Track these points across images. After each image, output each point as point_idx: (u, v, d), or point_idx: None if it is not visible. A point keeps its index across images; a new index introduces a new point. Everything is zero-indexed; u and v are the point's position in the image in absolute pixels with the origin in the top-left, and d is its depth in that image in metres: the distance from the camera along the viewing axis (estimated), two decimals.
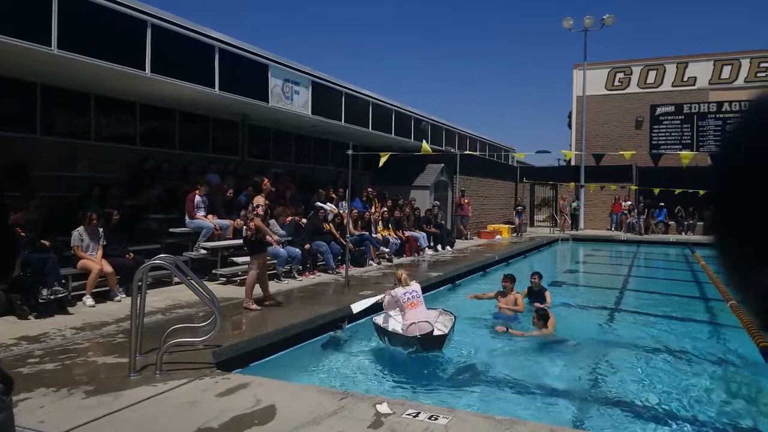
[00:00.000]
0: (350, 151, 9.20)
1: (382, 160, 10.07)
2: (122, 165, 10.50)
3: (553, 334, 7.28)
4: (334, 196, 13.76)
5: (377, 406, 3.88)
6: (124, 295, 7.76)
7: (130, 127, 11.01)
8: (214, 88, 9.94)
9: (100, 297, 7.61)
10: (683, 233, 23.46)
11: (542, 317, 7.35)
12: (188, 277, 5.10)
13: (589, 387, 5.54)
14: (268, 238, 7.60)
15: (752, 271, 0.44)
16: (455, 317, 6.99)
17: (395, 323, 6.76)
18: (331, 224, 11.75)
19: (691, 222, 23.94)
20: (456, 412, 3.84)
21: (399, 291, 6.68)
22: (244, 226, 7.51)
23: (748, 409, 5.09)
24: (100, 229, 7.83)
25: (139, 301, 4.74)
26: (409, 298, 6.58)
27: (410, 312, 6.47)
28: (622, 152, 9.37)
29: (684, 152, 9.30)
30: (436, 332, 6.38)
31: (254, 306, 7.24)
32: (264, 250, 7.56)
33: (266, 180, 7.90)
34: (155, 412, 3.79)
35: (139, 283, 4.75)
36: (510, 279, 8.65)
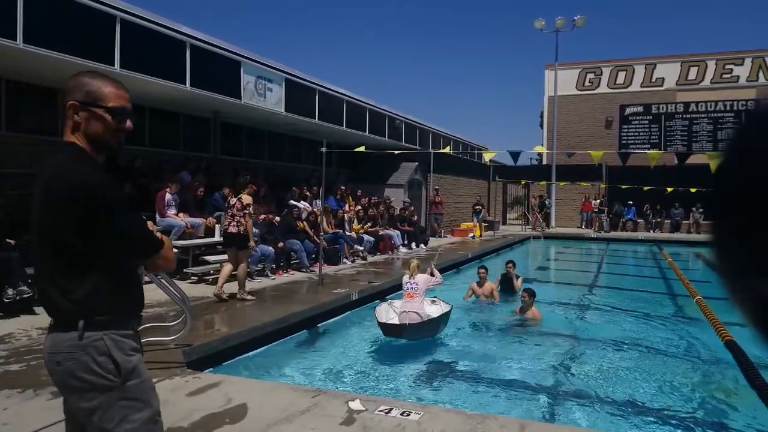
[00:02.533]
0: (324, 149, 9.18)
1: (359, 149, 10.05)
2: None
3: (540, 321, 8.03)
4: (308, 194, 13.70)
5: (350, 403, 3.89)
6: None
7: None
8: (186, 84, 9.81)
9: None
10: (651, 231, 24.00)
11: (532, 294, 8.10)
12: (158, 276, 5.03)
13: (560, 381, 5.65)
14: (251, 243, 8.04)
15: (751, 279, 0.44)
16: (450, 307, 7.58)
17: (383, 312, 7.24)
18: (304, 222, 11.71)
19: (658, 220, 24.50)
20: (428, 408, 3.88)
21: (405, 279, 7.33)
22: (234, 223, 7.71)
23: (714, 401, 5.25)
24: None
25: None
26: (407, 288, 7.18)
27: (406, 301, 7.10)
28: (590, 152, 9.53)
29: (651, 151, 9.47)
30: (408, 321, 6.80)
31: (249, 296, 7.71)
32: (246, 247, 7.90)
33: (251, 183, 8.37)
34: None
35: None
36: (486, 269, 9.49)
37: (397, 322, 6.84)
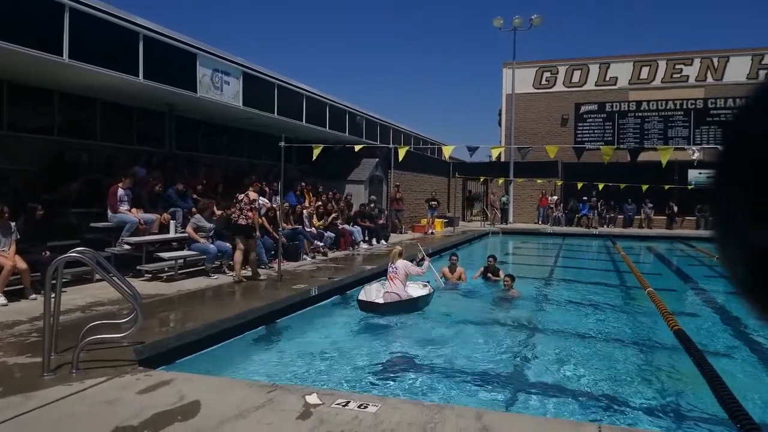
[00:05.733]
0: (282, 143, 9.06)
1: (316, 152, 9.97)
2: (39, 157, 9.90)
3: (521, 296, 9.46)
4: (267, 189, 13.51)
5: (306, 397, 3.84)
6: (40, 294, 7.31)
7: (47, 116, 10.40)
8: (138, 76, 9.52)
9: (14, 295, 7.15)
10: (605, 226, 24.63)
11: (512, 278, 9.61)
12: (110, 275, 4.87)
13: (518, 369, 5.73)
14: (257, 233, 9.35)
15: (744, 230, 0.45)
16: (433, 291, 8.84)
17: (373, 291, 8.34)
18: (263, 218, 11.53)
19: (612, 215, 25.18)
20: (386, 400, 3.86)
21: (389, 264, 8.46)
22: (242, 216, 8.94)
23: (663, 385, 5.41)
24: (12, 224, 7.34)
25: (53, 297, 4.48)
26: (389, 271, 8.38)
27: (388, 283, 8.29)
28: (546, 146, 9.70)
29: (605, 146, 9.71)
30: (383, 300, 8.08)
31: (243, 276, 8.94)
32: (253, 236, 9.14)
33: (256, 182, 9.54)
34: (70, 412, 3.59)
35: (54, 282, 4.49)
36: (457, 256, 11.08)
37: (379, 302, 7.93)
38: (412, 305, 8.21)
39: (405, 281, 8.36)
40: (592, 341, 7.06)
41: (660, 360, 6.39)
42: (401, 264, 8.34)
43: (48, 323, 4.26)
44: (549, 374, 5.61)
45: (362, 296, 8.02)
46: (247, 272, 9.16)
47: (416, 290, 8.75)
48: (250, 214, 8.97)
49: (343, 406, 3.70)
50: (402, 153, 10.18)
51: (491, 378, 5.42)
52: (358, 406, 3.68)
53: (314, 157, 10.06)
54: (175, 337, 5.56)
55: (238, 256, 8.97)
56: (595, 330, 7.67)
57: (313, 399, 3.80)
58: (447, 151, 8.75)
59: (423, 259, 9.68)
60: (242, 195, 9.09)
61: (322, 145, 10.03)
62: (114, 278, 4.88)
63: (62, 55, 8.13)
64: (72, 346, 4.59)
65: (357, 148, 10.12)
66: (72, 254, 4.55)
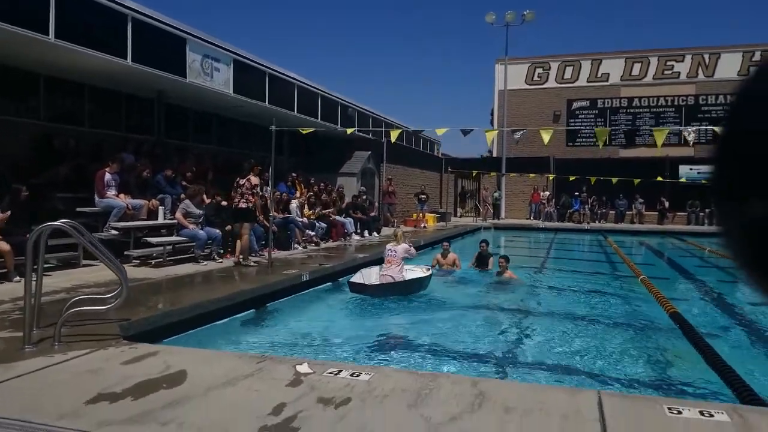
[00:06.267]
0: (273, 127, 8.93)
1: (308, 130, 9.84)
2: (24, 141, 9.71)
3: (517, 279, 9.65)
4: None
5: (297, 366, 3.73)
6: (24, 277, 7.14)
7: (33, 101, 10.19)
8: (126, 59, 9.36)
9: None
10: (597, 221, 24.66)
11: (507, 259, 9.90)
12: (96, 247, 4.72)
13: (512, 349, 5.64)
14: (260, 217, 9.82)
15: (740, 201, 0.46)
16: (430, 274, 8.79)
17: (373, 274, 8.43)
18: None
19: (603, 211, 25.21)
20: (379, 369, 3.76)
21: (388, 246, 8.56)
22: (243, 200, 9.01)
23: (660, 362, 5.35)
24: None
25: (38, 272, 4.33)
26: (387, 255, 8.45)
27: (385, 266, 8.36)
28: (540, 130, 9.64)
29: (599, 129, 9.66)
30: (373, 282, 8.11)
31: (252, 263, 8.96)
32: (254, 220, 9.42)
33: (256, 166, 9.31)
34: (51, 381, 3.45)
35: (36, 266, 4.34)
36: (449, 243, 11.32)
37: (367, 283, 7.94)
38: (406, 288, 8.16)
39: (402, 265, 8.38)
40: (587, 322, 7.01)
41: (655, 338, 6.35)
42: (402, 248, 8.40)
43: (29, 294, 4.12)
44: (545, 352, 5.54)
45: (355, 278, 7.99)
46: (246, 260, 9.07)
47: (413, 273, 8.67)
48: (251, 198, 9.06)
49: (335, 374, 3.58)
50: (394, 136, 10.05)
51: (486, 356, 5.33)
52: (350, 375, 3.57)
53: (304, 133, 9.90)
54: (161, 314, 5.42)
55: (245, 240, 9.15)
56: (590, 312, 7.64)
57: (303, 368, 3.68)
58: (440, 132, 8.61)
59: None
60: (243, 179, 9.12)
61: (313, 129, 9.89)
62: (97, 249, 4.73)
63: (48, 35, 7.95)
64: (55, 323, 4.45)
65: (349, 131, 9.97)
66: (57, 223, 4.40)
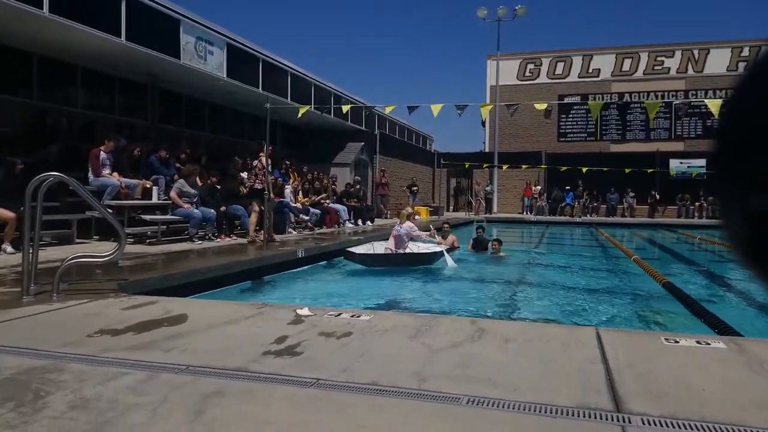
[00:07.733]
0: (268, 105, 8.95)
1: (302, 111, 9.85)
2: (16, 119, 9.65)
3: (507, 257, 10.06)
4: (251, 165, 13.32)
5: (297, 310, 3.75)
6: (18, 251, 7.11)
7: (25, 79, 10.13)
8: (120, 37, 9.33)
9: None
10: (589, 215, 24.81)
11: (500, 242, 10.49)
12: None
13: (509, 313, 5.69)
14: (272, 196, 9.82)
15: (743, 194, 0.46)
16: (439, 250, 8.83)
17: (375, 246, 8.98)
18: (247, 188, 11.36)
19: (595, 205, 25.37)
20: (378, 312, 3.79)
21: (395, 226, 9.02)
22: (258, 181, 9.67)
23: (651, 320, 5.43)
24: None
25: (36, 225, 4.33)
26: (393, 231, 8.89)
27: (390, 240, 8.85)
28: (535, 104, 9.71)
29: (592, 102, 9.74)
30: (366, 251, 8.61)
31: (259, 238, 9.12)
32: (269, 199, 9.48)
33: (264, 145, 9.51)
34: (51, 322, 3.46)
35: (34, 204, 4.33)
36: (450, 225, 11.70)
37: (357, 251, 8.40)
38: (404, 260, 8.48)
39: (404, 242, 8.71)
40: (581, 290, 7.11)
41: (648, 302, 6.42)
42: (407, 225, 8.80)
43: (27, 239, 4.12)
44: (541, 313, 5.58)
45: (354, 249, 8.46)
46: (259, 236, 9.22)
47: (420, 250, 8.95)
48: (263, 178, 9.48)
49: (336, 316, 3.61)
50: (388, 110, 10.05)
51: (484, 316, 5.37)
52: (351, 316, 3.60)
53: (299, 115, 9.91)
54: (160, 277, 5.42)
55: (254, 218, 9.56)
56: (585, 283, 7.75)
57: (304, 311, 3.71)
58: (435, 110, 8.64)
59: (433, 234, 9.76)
60: (256, 161, 9.62)
61: (308, 107, 9.90)
62: (93, 200, 4.73)
63: (42, 9, 7.92)
64: (52, 281, 4.44)
65: (345, 108, 10.00)
66: (53, 173, 4.40)
